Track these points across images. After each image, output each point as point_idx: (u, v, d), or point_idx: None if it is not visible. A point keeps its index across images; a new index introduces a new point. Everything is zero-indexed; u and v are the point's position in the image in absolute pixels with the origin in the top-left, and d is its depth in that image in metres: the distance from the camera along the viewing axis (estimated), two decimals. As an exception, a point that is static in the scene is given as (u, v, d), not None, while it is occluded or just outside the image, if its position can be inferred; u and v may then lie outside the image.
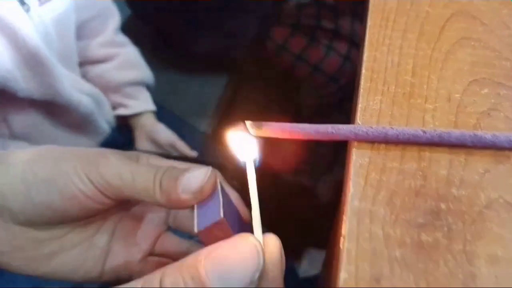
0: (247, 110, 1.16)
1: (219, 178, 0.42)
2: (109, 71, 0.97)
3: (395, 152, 0.37)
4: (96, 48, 0.97)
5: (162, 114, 1.02)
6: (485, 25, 0.49)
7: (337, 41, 1.15)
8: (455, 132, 0.37)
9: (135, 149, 0.98)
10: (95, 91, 0.92)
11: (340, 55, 1.16)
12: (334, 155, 1.30)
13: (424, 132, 0.37)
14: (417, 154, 0.37)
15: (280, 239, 0.35)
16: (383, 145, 0.38)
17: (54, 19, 0.81)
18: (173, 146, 0.98)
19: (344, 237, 0.33)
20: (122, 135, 0.99)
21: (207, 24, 1.12)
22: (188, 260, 0.31)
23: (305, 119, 1.13)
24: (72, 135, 0.90)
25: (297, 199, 1.25)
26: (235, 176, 0.47)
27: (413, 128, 0.37)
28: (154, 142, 0.99)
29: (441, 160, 0.37)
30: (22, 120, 0.82)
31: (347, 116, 1.22)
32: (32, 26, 0.75)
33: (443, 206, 0.34)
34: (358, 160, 0.37)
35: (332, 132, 0.37)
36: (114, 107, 0.99)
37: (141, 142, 1.00)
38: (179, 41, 1.16)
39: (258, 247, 0.32)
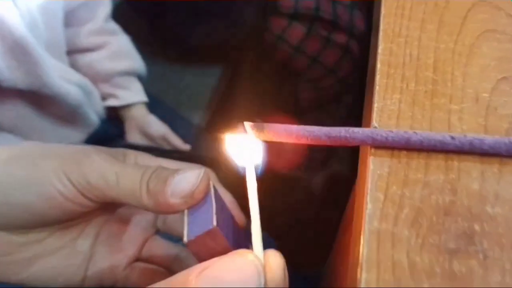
0: (243, 103, 1.11)
1: (212, 179, 0.38)
2: (99, 60, 0.91)
3: (418, 161, 0.31)
4: (85, 36, 0.91)
5: (154, 105, 0.97)
6: (510, 16, 0.43)
7: (336, 32, 1.09)
8: (488, 139, 0.31)
9: (126, 142, 0.93)
10: (84, 81, 0.86)
11: (339, 47, 1.10)
12: (330, 149, 1.24)
13: (453, 138, 0.31)
14: (444, 164, 0.31)
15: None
16: (404, 152, 0.32)
17: (41, 6, 0.75)
18: (165, 139, 0.93)
19: (361, 266, 0.26)
20: (112, 127, 0.93)
21: (203, 14, 1.07)
22: (178, 277, 0.28)
23: (303, 112, 1.08)
24: (60, 127, 0.85)
25: (292, 193, 1.20)
26: (230, 173, 0.42)
27: (440, 134, 0.31)
28: (146, 134, 0.93)
29: (472, 171, 0.31)
30: (8, 111, 0.77)
31: (346, 110, 1.17)
32: (18, 14, 0.70)
33: (476, 227, 0.28)
34: (376, 170, 0.30)
35: (346, 137, 0.31)
36: (104, 98, 0.93)
37: (132, 134, 0.94)
38: (174, 31, 1.10)
39: (259, 266, 0.28)
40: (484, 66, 0.38)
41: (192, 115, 1.05)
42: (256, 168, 0.32)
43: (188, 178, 0.33)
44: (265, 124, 0.31)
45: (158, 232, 0.45)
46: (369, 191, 0.29)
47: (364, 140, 0.31)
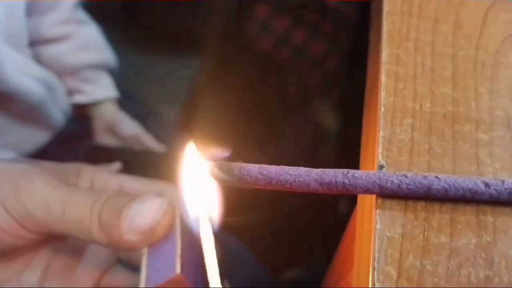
0: (222, 98, 1.03)
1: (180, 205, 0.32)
2: (65, 52, 0.82)
3: (441, 216, 0.23)
4: (50, 26, 0.82)
5: (126, 101, 0.88)
6: (539, 15, 0.34)
7: (323, 22, 1.02)
8: (533, 186, 0.23)
9: (94, 142, 0.84)
10: (48, 75, 0.78)
11: (326, 38, 1.02)
12: (316, 145, 1.17)
13: (487, 185, 0.23)
14: (475, 220, 0.23)
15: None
16: (422, 204, 0.23)
17: None
18: (137, 140, 0.84)
19: None
20: (79, 126, 0.84)
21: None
22: None
23: (287, 108, 1.01)
24: (20, 126, 0.77)
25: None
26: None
27: (469, 179, 0.23)
28: (116, 134, 0.85)
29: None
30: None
31: (333, 106, 1.09)
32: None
33: (523, 315, 0.20)
34: (385, 231, 0.22)
35: (344, 183, 0.22)
36: (71, 93, 0.84)
37: (101, 134, 0.86)
38: (149, 18, 1.02)
39: None
40: (514, 80, 0.30)
41: (167, 111, 0.98)
42: (211, 223, 0.26)
43: (148, 210, 0.28)
44: (234, 165, 0.22)
45: (120, 261, 0.38)
46: (376, 265, 0.21)
47: (369, 189, 0.22)
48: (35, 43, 0.80)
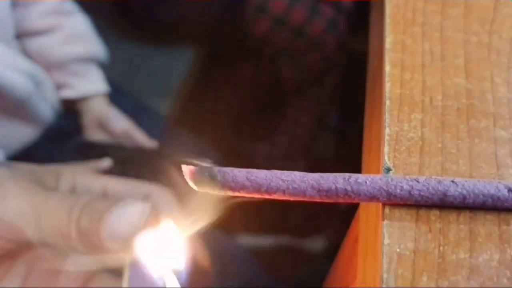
0: (217, 90, 1.00)
1: (165, 205, 0.33)
2: (52, 45, 0.79)
3: (458, 228, 0.19)
4: (36, 17, 0.79)
5: (117, 95, 0.85)
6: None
7: (322, 5, 0.98)
8: None
9: (84, 139, 0.81)
10: (35, 69, 0.75)
11: (326, 18, 0.98)
12: (313, 137, 1.13)
13: (511, 190, 0.19)
14: (497, 231, 0.19)
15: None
16: (435, 213, 0.20)
17: None
18: (128, 136, 0.81)
19: None
20: (69, 122, 0.81)
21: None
22: None
23: (284, 96, 0.97)
24: (7, 123, 0.74)
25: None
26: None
27: (490, 183, 0.19)
28: (106, 130, 0.82)
29: (541, 243, 0.19)
30: None
31: (327, 92, 1.06)
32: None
33: None
34: (395, 246, 0.18)
35: (346, 190, 0.19)
36: (59, 88, 0.81)
37: (91, 130, 0.83)
38: (140, 7, 0.98)
39: None
40: (533, 69, 0.26)
41: (160, 105, 0.93)
42: (178, 276, 0.25)
43: (129, 216, 0.27)
44: (217, 170, 0.19)
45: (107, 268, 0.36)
46: (383, 286, 0.17)
47: (375, 196, 0.19)
48: (21, 35, 0.78)
